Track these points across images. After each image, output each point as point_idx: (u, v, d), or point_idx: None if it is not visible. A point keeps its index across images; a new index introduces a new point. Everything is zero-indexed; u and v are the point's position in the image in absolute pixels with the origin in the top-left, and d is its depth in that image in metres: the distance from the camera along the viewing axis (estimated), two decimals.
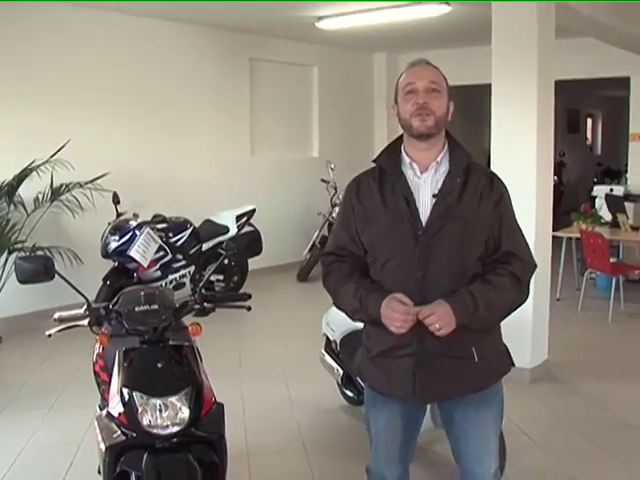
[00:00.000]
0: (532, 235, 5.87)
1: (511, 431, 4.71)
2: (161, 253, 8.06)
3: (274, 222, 10.52)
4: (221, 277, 8.92)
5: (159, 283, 8.11)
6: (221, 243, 8.93)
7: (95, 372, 3.74)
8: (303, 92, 11.69)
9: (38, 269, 3.07)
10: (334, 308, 5.21)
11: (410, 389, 2.75)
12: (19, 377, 6.33)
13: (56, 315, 3.16)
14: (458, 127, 14.69)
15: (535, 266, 2.83)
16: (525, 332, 5.96)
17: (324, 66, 11.70)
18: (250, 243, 3.30)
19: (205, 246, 8.74)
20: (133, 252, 7.63)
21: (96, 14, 8.44)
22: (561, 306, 8.55)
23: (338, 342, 5.09)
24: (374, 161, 2.87)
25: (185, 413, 2.86)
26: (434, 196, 2.70)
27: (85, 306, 3.12)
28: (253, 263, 9.35)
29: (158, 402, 2.84)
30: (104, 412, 3.02)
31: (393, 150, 2.84)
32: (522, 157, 5.90)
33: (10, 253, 7.47)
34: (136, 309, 3.01)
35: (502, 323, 2.87)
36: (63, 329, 3.14)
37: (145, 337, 3.03)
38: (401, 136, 2.85)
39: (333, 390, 5.57)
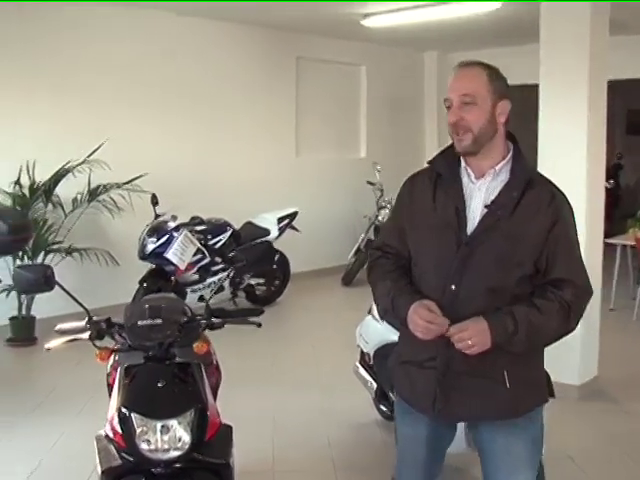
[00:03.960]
0: (582, 242, 5.54)
1: (554, 455, 4.37)
2: (199, 256, 7.89)
3: (319, 224, 10.33)
4: (262, 281, 8.71)
5: (197, 286, 7.98)
6: (262, 243, 8.78)
7: (109, 385, 3.55)
8: (350, 92, 11.44)
9: (38, 279, 2.88)
10: (368, 319, 5.02)
11: (430, 404, 2.61)
12: (50, 380, 6.24)
13: (57, 327, 2.97)
14: (513, 127, 14.47)
15: (590, 294, 2.60)
16: (574, 346, 5.63)
17: (372, 65, 11.43)
18: (261, 254, 3.05)
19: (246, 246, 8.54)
20: (170, 254, 7.48)
21: (137, 12, 8.33)
22: (614, 316, 8.18)
23: (371, 355, 4.87)
24: (429, 162, 2.70)
25: (187, 437, 2.64)
26: (486, 206, 2.52)
27: (86, 319, 2.91)
28: (296, 266, 9.21)
29: (158, 425, 2.62)
30: (102, 432, 2.81)
31: (451, 153, 2.64)
32: (572, 159, 5.59)
33: (47, 254, 7.40)
34: (139, 323, 2.80)
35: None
36: (64, 342, 2.95)
37: (149, 353, 2.82)
38: None
39: (368, 403, 5.32)
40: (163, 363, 2.82)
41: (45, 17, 7.61)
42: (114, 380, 3.37)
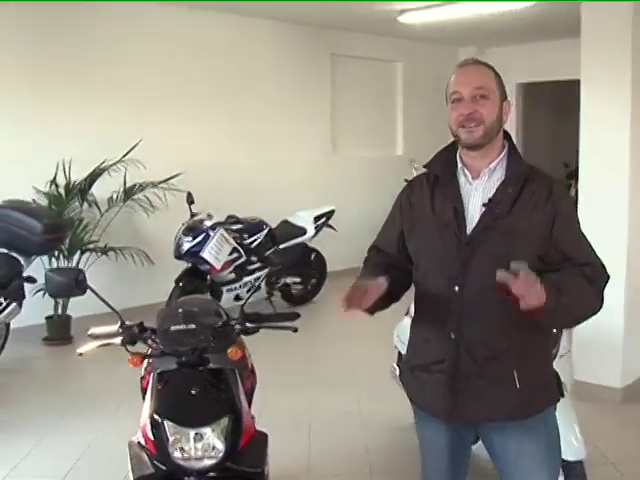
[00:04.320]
0: (625, 239, 5.45)
1: (595, 460, 4.24)
2: (235, 255, 7.87)
3: (355, 222, 10.20)
4: (298, 279, 8.66)
5: (233, 285, 7.95)
6: (298, 245, 8.71)
7: (143, 389, 3.51)
8: (386, 88, 11.34)
9: (69, 282, 2.84)
10: (405, 320, 4.92)
11: (442, 407, 2.58)
12: (86, 379, 6.25)
13: (90, 331, 2.93)
14: (550, 124, 14.16)
15: (608, 276, 2.53)
16: (615, 346, 5.50)
17: (408, 62, 11.33)
18: (297, 258, 2.97)
19: (282, 248, 8.48)
20: (206, 253, 7.47)
21: (171, 11, 8.33)
22: None
23: None
24: (425, 166, 2.71)
25: (221, 445, 2.57)
26: (484, 205, 2.51)
27: (119, 323, 2.86)
28: (333, 265, 9.13)
29: (191, 433, 2.56)
30: (135, 438, 2.77)
31: (447, 154, 2.68)
32: (614, 159, 5.44)
33: (83, 253, 7.43)
34: (172, 328, 2.74)
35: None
36: (96, 347, 2.91)
37: (182, 359, 2.77)
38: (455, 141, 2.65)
39: (406, 406, 5.21)
40: (196, 369, 2.76)
41: (78, 15, 7.64)
42: (147, 384, 3.34)
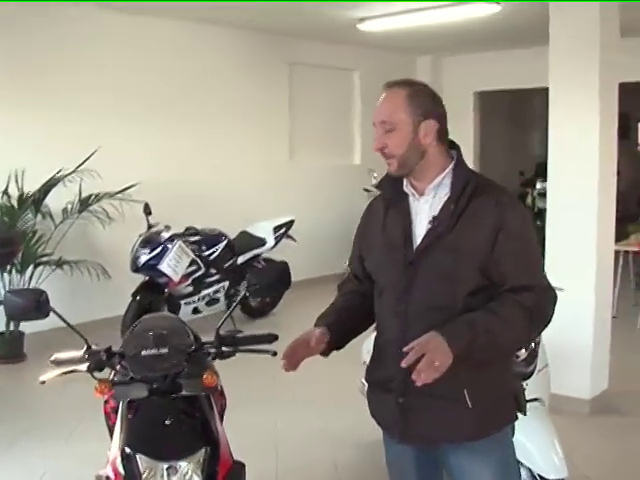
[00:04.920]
0: (593, 251, 5.42)
1: (570, 473, 4.17)
2: (194, 267, 7.71)
3: (314, 232, 10.15)
4: None
5: (191, 299, 7.77)
6: (258, 256, 8.56)
7: (106, 413, 3.32)
8: (344, 97, 11.27)
9: (30, 305, 2.63)
10: (375, 335, 4.80)
11: (394, 425, 2.54)
12: (38, 401, 5.99)
13: (52, 357, 2.74)
14: (506, 133, 14.23)
15: (554, 297, 2.44)
16: (584, 359, 5.47)
17: (366, 70, 11.22)
18: (276, 277, 2.81)
19: (241, 259, 8.33)
20: (164, 266, 7.28)
21: (125, 17, 8.13)
22: (617, 324, 7.88)
23: None
24: (376, 186, 2.71)
25: (197, 479, 2.41)
26: (428, 223, 2.46)
27: (84, 348, 2.67)
28: (292, 275, 8.94)
29: (165, 466, 2.39)
30: (104, 473, 2.58)
31: None
32: (583, 166, 5.41)
33: (36, 266, 7.18)
34: (143, 353, 2.56)
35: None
36: (60, 374, 2.72)
37: (153, 386, 2.59)
38: None
39: (373, 422, 5.09)
40: (169, 397, 2.59)
41: (30, 19, 7.38)
42: (112, 409, 3.15)
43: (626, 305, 8.66)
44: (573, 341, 5.27)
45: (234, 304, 2.75)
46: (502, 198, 2.44)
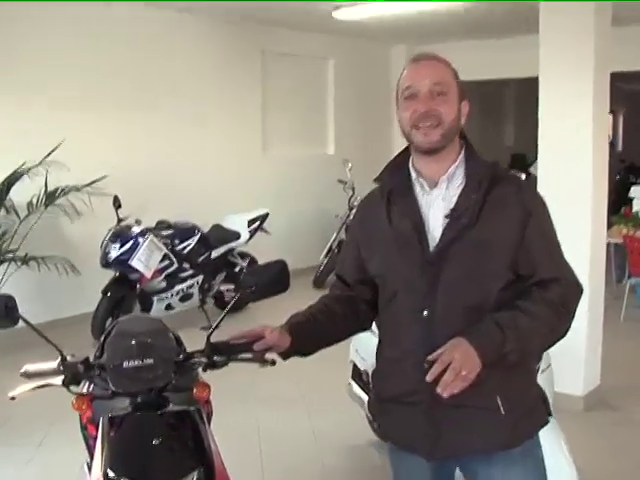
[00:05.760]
0: (587, 244, 5.26)
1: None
2: (166, 262, 7.45)
3: (288, 224, 9.91)
4: (232, 287, 8.24)
5: (164, 294, 7.51)
6: (232, 250, 8.32)
7: (82, 423, 3.03)
8: (318, 86, 11.02)
9: None
10: (365, 334, 4.56)
11: (421, 442, 2.29)
12: (7, 405, 5.62)
13: (23, 369, 2.44)
14: (480, 124, 14.14)
15: (581, 290, 2.32)
16: (577, 355, 5.30)
17: (340, 59, 11.02)
18: (274, 278, 2.51)
19: (214, 253, 8.09)
20: (135, 261, 7.02)
21: (94, 5, 7.76)
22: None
23: (370, 373, 4.41)
24: (376, 180, 2.41)
25: None
26: (446, 217, 2.23)
27: (58, 360, 2.36)
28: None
29: None
30: None
31: (400, 163, 2.38)
32: (576, 157, 5.24)
33: (1, 263, 6.87)
34: (124, 365, 2.28)
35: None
36: (32, 389, 2.42)
37: (137, 400, 2.31)
38: (409, 145, 2.34)
39: (359, 422, 4.87)
40: (155, 412, 2.31)
41: None
42: (88, 419, 2.84)
43: (608, 298, 8.51)
44: (566, 337, 5.09)
45: (226, 310, 2.45)
46: (522, 184, 2.31)
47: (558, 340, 2.25)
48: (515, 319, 2.14)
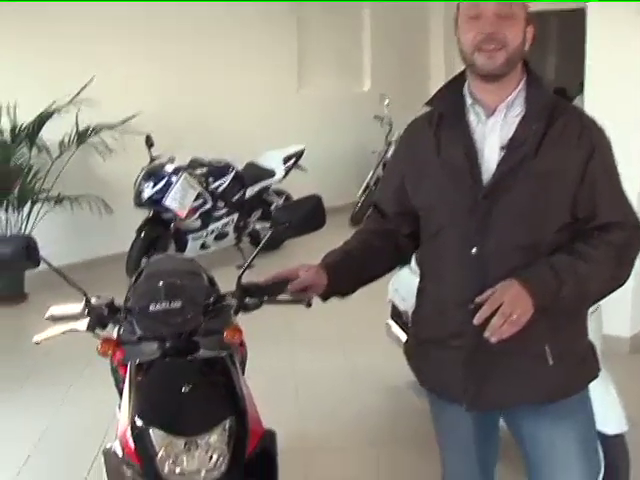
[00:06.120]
0: (637, 184, 4.99)
1: None
2: (200, 201, 7.35)
3: (324, 161, 9.71)
4: (268, 225, 8.12)
5: (199, 233, 7.42)
6: (267, 188, 8.19)
7: (113, 365, 2.95)
8: (354, 21, 10.69)
9: (16, 253, 2.22)
10: (404, 272, 4.41)
11: (462, 391, 2.16)
12: (42, 343, 5.64)
13: (48, 312, 2.36)
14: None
15: None
16: (624, 295, 5.05)
17: None
18: (309, 213, 2.36)
19: (249, 191, 7.99)
20: (169, 201, 6.93)
21: None
22: None
23: (410, 313, 4.27)
24: (428, 103, 2.24)
25: (223, 455, 2.05)
26: (502, 148, 2.07)
27: (83, 303, 2.27)
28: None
29: (185, 442, 2.03)
30: (113, 447, 2.21)
31: (454, 88, 2.21)
32: (625, 92, 4.97)
33: (34, 204, 6.81)
34: (151, 308, 2.17)
35: None
36: (58, 334, 2.34)
37: (166, 345, 2.21)
38: (465, 70, 2.18)
39: (399, 363, 4.74)
40: (184, 358, 2.21)
41: None
42: (119, 361, 2.75)
43: None
44: None
45: (258, 247, 2.32)
46: (586, 118, 2.15)
47: (618, 288, 2.10)
48: (574, 263, 2.01)
